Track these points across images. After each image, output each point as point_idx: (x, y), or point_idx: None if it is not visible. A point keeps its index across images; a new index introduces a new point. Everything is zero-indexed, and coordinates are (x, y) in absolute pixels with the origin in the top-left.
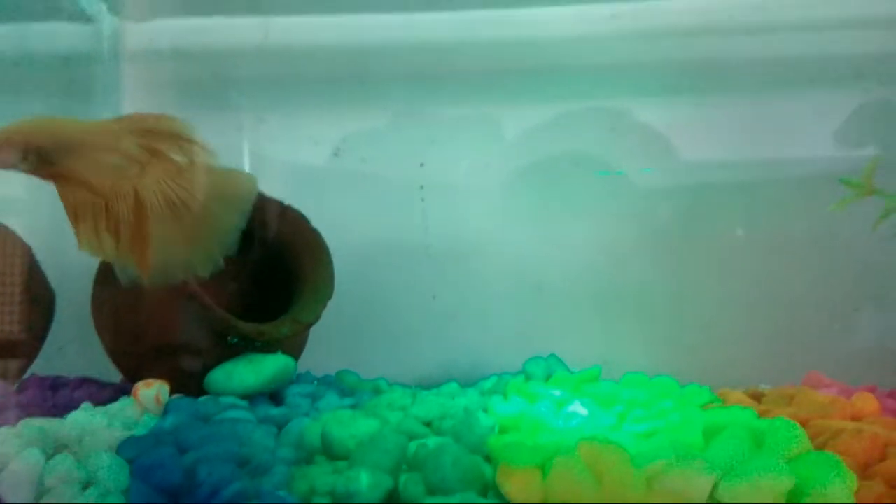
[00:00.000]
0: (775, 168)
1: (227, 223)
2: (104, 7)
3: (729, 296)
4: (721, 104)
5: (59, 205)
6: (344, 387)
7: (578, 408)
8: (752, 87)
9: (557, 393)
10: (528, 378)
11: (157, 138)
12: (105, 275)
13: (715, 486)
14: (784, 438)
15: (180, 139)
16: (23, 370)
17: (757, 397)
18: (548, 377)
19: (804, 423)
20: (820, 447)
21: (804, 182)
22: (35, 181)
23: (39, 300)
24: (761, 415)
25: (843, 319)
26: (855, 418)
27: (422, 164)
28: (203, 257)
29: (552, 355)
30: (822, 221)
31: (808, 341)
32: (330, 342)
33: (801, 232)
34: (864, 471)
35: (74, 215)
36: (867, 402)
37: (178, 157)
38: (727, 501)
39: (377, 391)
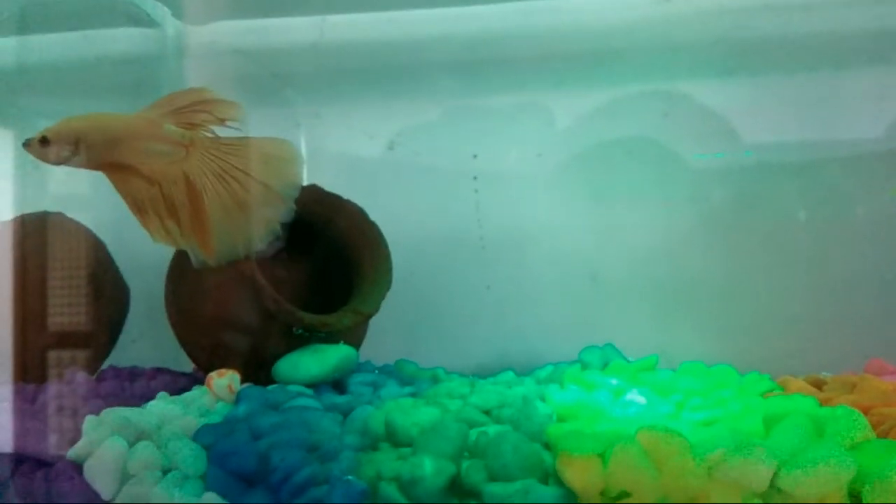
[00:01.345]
0: (834, 149)
1: (278, 189)
2: (167, 11)
3: (788, 281)
4: (777, 84)
5: None
6: (403, 376)
7: (636, 396)
8: (809, 65)
9: (615, 382)
10: (585, 367)
11: (191, 112)
12: (178, 269)
13: (775, 475)
14: (846, 426)
15: (212, 103)
16: (100, 362)
17: (818, 385)
18: (604, 366)
19: (866, 411)
20: (883, 435)
21: (863, 163)
22: (102, 177)
23: (113, 294)
24: (823, 403)
25: None
26: None
27: (475, 156)
28: (262, 226)
29: (608, 344)
30: (883, 203)
31: (870, 327)
32: (389, 332)
33: (861, 214)
34: None
35: (136, 207)
36: None
37: (214, 124)
38: (788, 490)
39: (436, 380)
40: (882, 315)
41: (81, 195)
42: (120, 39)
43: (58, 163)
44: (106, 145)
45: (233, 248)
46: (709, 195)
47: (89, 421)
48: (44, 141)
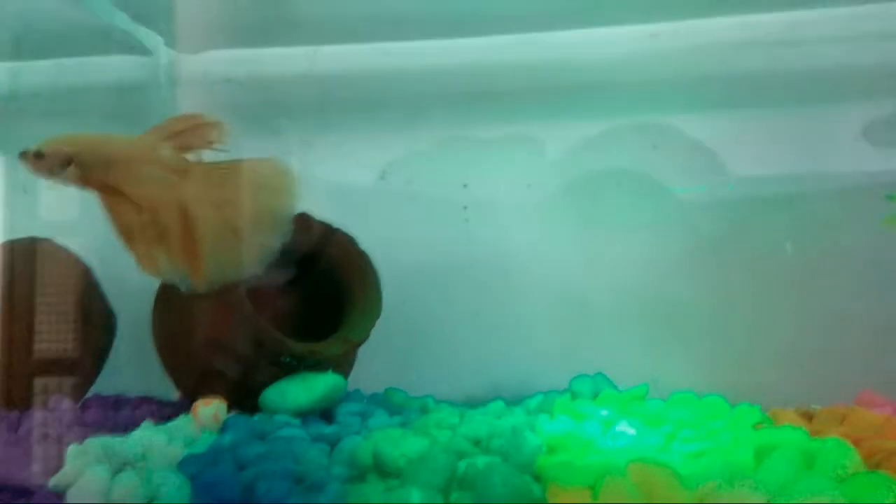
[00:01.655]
0: (821, 182)
1: (274, 212)
2: (161, 40)
3: (778, 313)
4: (764, 119)
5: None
6: (392, 405)
7: (626, 427)
8: (795, 100)
9: (605, 412)
10: (575, 396)
11: (187, 136)
12: (165, 296)
13: None
14: (836, 459)
15: (203, 127)
16: (85, 389)
17: (808, 417)
18: (594, 395)
19: (857, 443)
20: (873, 467)
21: (850, 196)
22: (92, 202)
23: (100, 320)
24: (813, 435)
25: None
26: None
27: (465, 185)
28: (256, 251)
29: (599, 373)
30: (871, 236)
31: (860, 359)
32: (378, 360)
33: (849, 246)
34: None
35: (123, 232)
36: None
37: (202, 148)
38: None
39: (425, 409)
40: (872, 347)
41: (69, 221)
42: (113, 67)
43: (49, 177)
44: (99, 166)
45: (224, 274)
46: (698, 226)
47: (72, 449)
48: (38, 154)
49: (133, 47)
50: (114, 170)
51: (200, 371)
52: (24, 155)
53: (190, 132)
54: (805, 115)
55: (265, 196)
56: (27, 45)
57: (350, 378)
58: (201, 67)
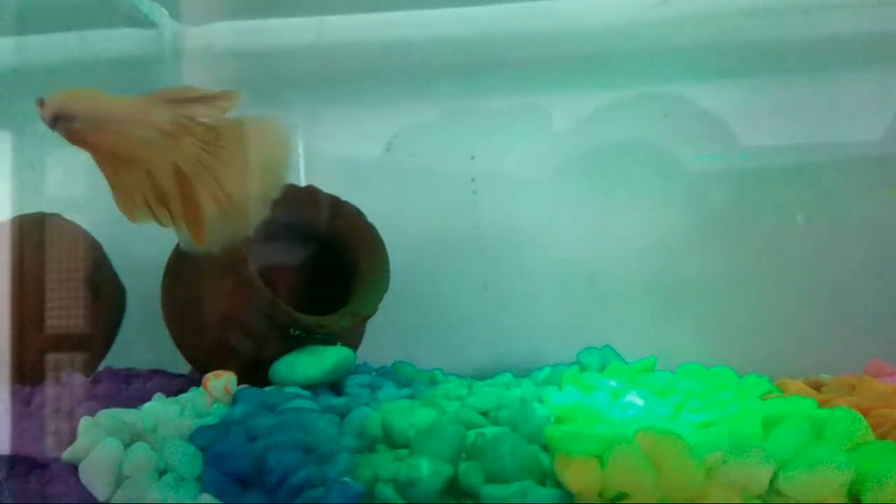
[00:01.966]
0: (831, 152)
1: (271, 168)
2: (165, 12)
3: (787, 283)
4: (776, 87)
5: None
6: (400, 377)
7: (635, 398)
8: (806, 68)
9: (613, 383)
10: (583, 368)
11: (186, 105)
12: (174, 270)
13: (774, 477)
14: (845, 428)
15: (207, 98)
16: (96, 363)
17: (817, 387)
18: (602, 368)
19: (866, 413)
20: (882, 437)
21: (862, 166)
22: (98, 179)
23: (110, 295)
24: (822, 404)
25: None
26: None
27: (472, 157)
28: (256, 209)
29: (606, 346)
30: (880, 206)
31: (869, 328)
32: (386, 333)
33: (858, 217)
34: None
35: (112, 187)
36: None
37: (209, 117)
38: (787, 491)
39: (433, 381)
40: (881, 316)
41: (76, 196)
42: (117, 40)
43: (50, 128)
44: (94, 123)
45: (226, 235)
46: (707, 197)
47: (84, 422)
48: (41, 103)
49: (138, 20)
50: (104, 128)
51: (211, 344)
52: (37, 101)
53: (190, 102)
54: (816, 84)
55: (261, 153)
56: (32, 19)
57: (358, 351)
58: (206, 40)
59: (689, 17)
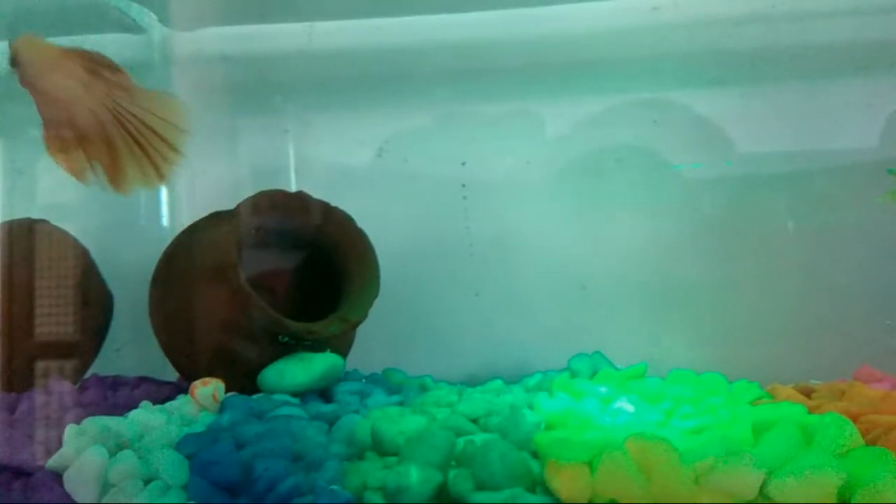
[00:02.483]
0: (823, 159)
1: (171, 136)
2: (154, 17)
3: (777, 289)
4: (767, 94)
5: (114, 209)
6: (390, 384)
7: (625, 404)
8: (798, 76)
9: (603, 390)
10: (573, 375)
11: (98, 65)
12: (163, 276)
13: (765, 483)
14: (835, 434)
15: (113, 67)
16: (83, 370)
17: (807, 393)
18: (593, 374)
19: (856, 419)
20: (872, 443)
21: (853, 172)
22: (89, 187)
23: (97, 302)
24: (812, 410)
25: (894, 311)
26: None
27: (463, 163)
28: (157, 168)
29: (597, 352)
30: (871, 212)
31: (859, 335)
32: (376, 340)
33: (849, 223)
34: None
35: (45, 128)
36: None
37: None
38: (777, 498)
39: (423, 388)
40: (871, 322)
41: (64, 203)
42: (107, 45)
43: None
44: (31, 67)
45: (140, 181)
46: (698, 203)
47: (70, 430)
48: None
49: (127, 25)
50: (44, 73)
51: (198, 351)
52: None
53: (101, 64)
54: (807, 91)
55: (161, 120)
56: (21, 24)
57: (348, 358)
58: (196, 45)
59: (680, 24)
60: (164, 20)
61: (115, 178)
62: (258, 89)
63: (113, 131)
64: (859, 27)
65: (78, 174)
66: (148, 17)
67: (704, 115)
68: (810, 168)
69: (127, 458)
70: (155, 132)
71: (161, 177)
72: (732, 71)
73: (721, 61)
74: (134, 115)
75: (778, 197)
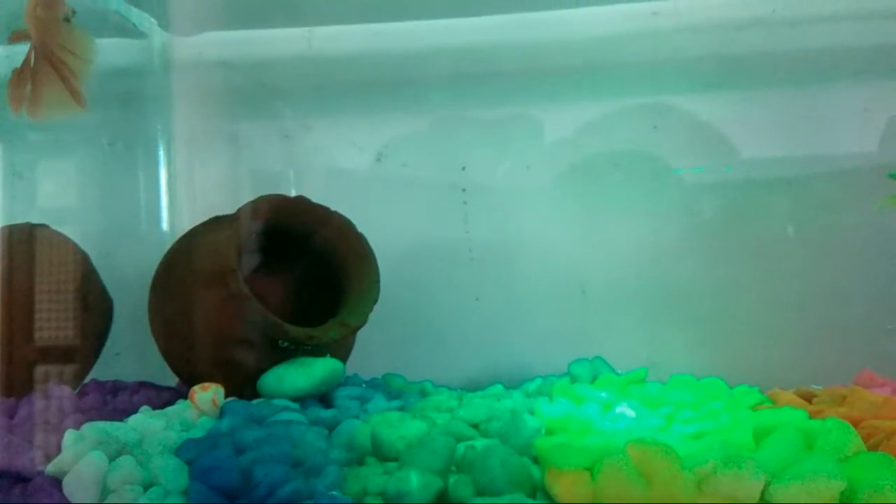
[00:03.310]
0: (822, 163)
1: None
2: (154, 23)
3: (777, 294)
4: (766, 99)
5: (114, 213)
6: (391, 389)
7: (626, 409)
8: (797, 80)
9: (604, 395)
10: (574, 380)
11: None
12: (162, 281)
13: (766, 488)
14: (836, 439)
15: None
16: (83, 375)
17: (808, 397)
18: (593, 379)
19: (857, 424)
20: (873, 448)
21: (851, 177)
22: (86, 191)
23: (97, 307)
24: (813, 415)
25: (895, 315)
26: None
27: (463, 168)
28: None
29: (597, 357)
30: (871, 216)
31: (859, 339)
32: (376, 345)
33: (849, 227)
34: None
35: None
36: None
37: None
38: (778, 503)
39: (423, 393)
40: (871, 327)
41: (64, 207)
42: (107, 50)
43: None
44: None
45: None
46: (697, 208)
47: (69, 435)
48: None
49: (127, 30)
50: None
51: (198, 356)
52: None
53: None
54: (805, 95)
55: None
56: (18, 28)
57: (348, 363)
58: (196, 50)
59: (679, 29)
60: (164, 25)
61: (34, 105)
62: (258, 94)
63: (40, 61)
64: (858, 32)
65: (14, 103)
66: (148, 22)
67: (704, 119)
68: (809, 172)
69: (126, 464)
70: (66, 61)
71: (81, 103)
72: (732, 76)
73: (720, 66)
74: (55, 43)
75: (778, 201)
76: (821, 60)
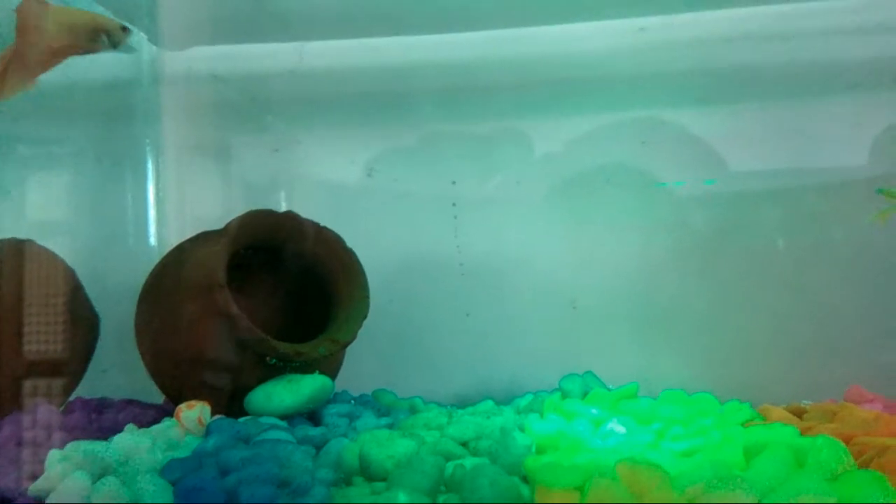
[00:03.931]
0: (812, 177)
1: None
2: (144, 37)
3: (767, 308)
4: (755, 113)
5: (102, 227)
6: (380, 406)
7: (616, 426)
8: (786, 94)
9: (595, 411)
10: (565, 395)
11: None
12: (149, 297)
13: None
14: (827, 457)
15: None
16: (68, 393)
17: (799, 413)
18: (584, 394)
19: (847, 440)
20: (864, 465)
21: (841, 190)
22: (72, 206)
23: (83, 323)
24: (804, 432)
25: (884, 330)
26: None
27: (454, 182)
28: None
29: (588, 372)
30: (861, 230)
31: (850, 353)
32: (366, 361)
33: (839, 241)
34: None
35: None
36: None
37: None
38: None
39: (413, 410)
40: (861, 341)
41: (49, 222)
42: (97, 64)
43: None
44: None
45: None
46: (687, 222)
47: (52, 455)
48: None
49: None
50: None
51: (184, 373)
52: None
53: None
54: (795, 109)
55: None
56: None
57: (338, 379)
58: (185, 64)
59: (667, 44)
60: (153, 39)
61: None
62: (248, 108)
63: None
64: (847, 46)
65: None
66: (138, 36)
67: (693, 133)
68: (800, 186)
69: (110, 484)
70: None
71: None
72: (720, 90)
73: (708, 81)
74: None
75: (768, 216)
76: (810, 74)
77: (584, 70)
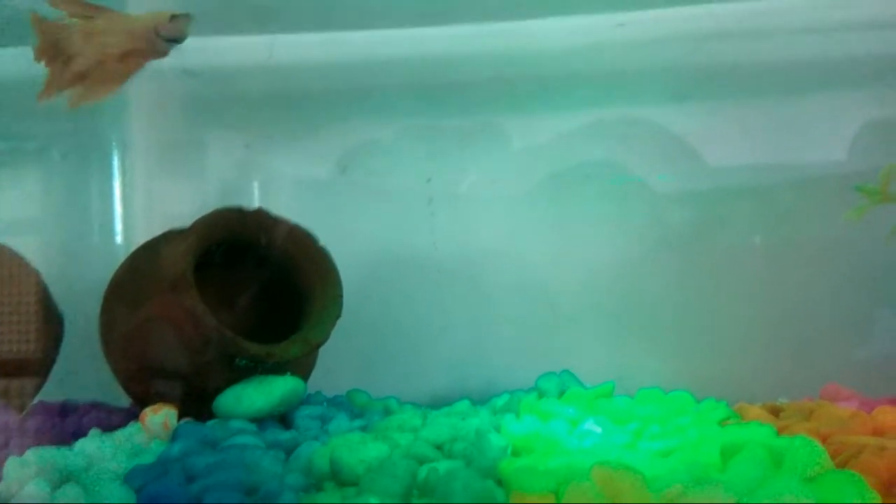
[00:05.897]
0: (790, 173)
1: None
2: None
3: (744, 305)
4: (733, 109)
5: (69, 226)
6: (354, 407)
7: (593, 426)
8: (764, 91)
9: (571, 411)
10: (541, 395)
11: None
12: (114, 297)
13: None
14: (804, 458)
15: None
16: (31, 395)
17: (775, 412)
18: (561, 393)
19: (824, 440)
20: (841, 465)
21: (819, 187)
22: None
23: (47, 324)
24: (780, 431)
25: (860, 327)
26: (877, 433)
27: (429, 179)
28: None
29: (565, 371)
30: (839, 228)
31: (826, 351)
32: (340, 361)
33: (816, 238)
34: (888, 490)
35: None
36: (889, 416)
37: None
38: None
39: (388, 411)
40: (838, 338)
41: (14, 220)
42: None
43: None
44: None
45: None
46: (665, 219)
47: (11, 462)
48: None
49: None
50: None
51: (151, 376)
52: None
53: None
54: (772, 106)
55: None
56: None
57: (311, 380)
58: None
59: (645, 40)
60: None
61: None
62: (220, 103)
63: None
64: (824, 44)
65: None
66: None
67: (672, 130)
68: (777, 183)
69: (71, 492)
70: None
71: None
72: (699, 86)
73: (687, 77)
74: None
75: (744, 212)
76: (787, 71)
77: (562, 65)
